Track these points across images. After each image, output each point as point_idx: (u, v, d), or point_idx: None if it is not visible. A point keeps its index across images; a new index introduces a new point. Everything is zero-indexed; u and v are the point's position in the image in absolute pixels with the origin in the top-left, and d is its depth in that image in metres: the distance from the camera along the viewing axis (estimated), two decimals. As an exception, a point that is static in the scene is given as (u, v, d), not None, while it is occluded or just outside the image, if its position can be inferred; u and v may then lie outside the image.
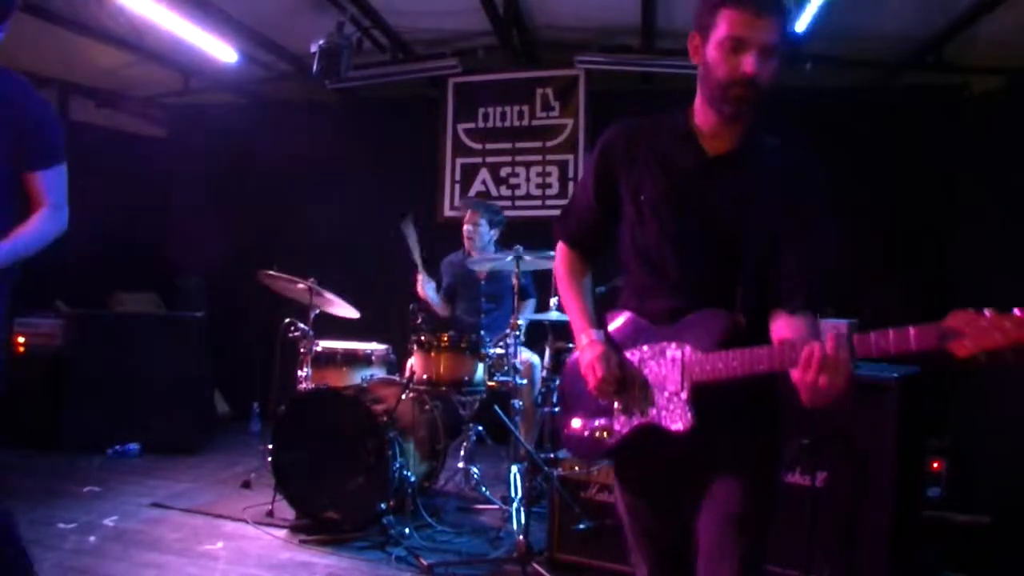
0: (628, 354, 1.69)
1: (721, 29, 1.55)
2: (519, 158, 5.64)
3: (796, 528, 2.80)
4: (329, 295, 4.02)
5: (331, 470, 3.50)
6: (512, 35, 4.97)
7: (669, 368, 1.61)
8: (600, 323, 1.79)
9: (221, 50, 4.75)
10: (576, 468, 3.16)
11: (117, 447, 4.88)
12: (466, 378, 3.70)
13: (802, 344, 1.44)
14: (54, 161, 2.10)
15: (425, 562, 3.14)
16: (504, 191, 5.65)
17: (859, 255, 4.74)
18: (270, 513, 3.70)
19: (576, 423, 1.79)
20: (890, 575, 2.73)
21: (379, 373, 4.05)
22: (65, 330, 4.91)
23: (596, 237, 1.84)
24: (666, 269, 1.65)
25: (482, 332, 3.75)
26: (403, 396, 3.64)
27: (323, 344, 4.02)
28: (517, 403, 3.73)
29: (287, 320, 4.03)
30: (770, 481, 1.70)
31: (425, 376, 3.71)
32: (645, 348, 1.66)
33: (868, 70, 4.81)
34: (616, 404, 1.70)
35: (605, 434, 1.72)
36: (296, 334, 4.00)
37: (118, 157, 5.93)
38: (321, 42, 4.47)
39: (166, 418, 4.97)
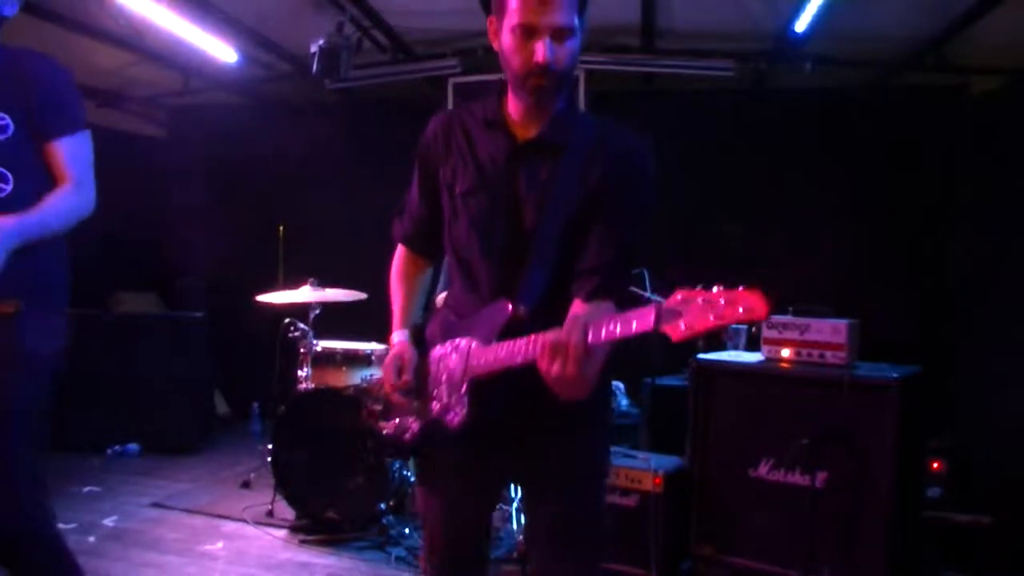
0: (434, 351, 1.66)
1: (512, 15, 1.49)
2: (519, 158, 5.62)
3: (796, 528, 2.80)
4: (329, 292, 4.01)
5: (331, 470, 3.50)
6: (512, 35, 4.96)
7: (456, 363, 1.57)
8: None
9: (221, 50, 4.74)
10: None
11: (117, 447, 4.89)
12: (466, 378, 3.69)
13: (544, 336, 1.35)
14: (69, 129, 1.92)
15: (425, 562, 3.14)
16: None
17: (859, 256, 4.74)
18: (270, 513, 3.70)
19: (386, 424, 1.76)
20: (890, 575, 2.73)
21: (379, 373, 4.04)
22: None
23: (428, 235, 1.77)
24: (473, 263, 1.61)
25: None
26: (403, 396, 3.64)
27: (323, 344, 4.02)
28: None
29: (287, 320, 4.03)
30: (587, 495, 1.65)
31: (425, 376, 3.70)
32: (447, 345, 1.62)
33: (868, 70, 4.80)
34: (415, 403, 1.67)
35: (406, 433, 1.69)
36: (296, 334, 3.99)
37: (118, 157, 5.87)
38: (321, 42, 4.47)
39: (166, 418, 4.98)
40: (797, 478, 2.88)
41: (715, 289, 1.19)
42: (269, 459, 3.64)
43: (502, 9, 1.53)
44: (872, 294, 4.41)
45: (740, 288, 1.18)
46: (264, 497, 3.80)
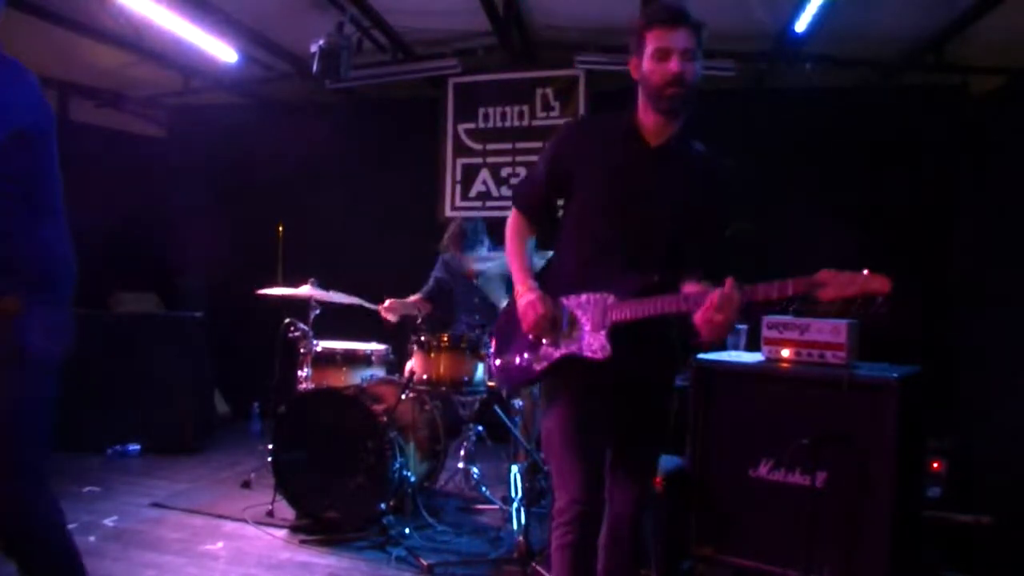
0: (562, 299, 2.11)
1: (649, 45, 1.99)
2: (519, 158, 5.64)
3: (796, 528, 2.80)
4: (329, 295, 4.01)
5: (331, 470, 3.50)
6: (512, 35, 4.97)
7: (594, 311, 2.05)
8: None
9: (221, 50, 4.75)
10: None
11: (117, 447, 4.89)
12: (466, 378, 3.70)
13: (704, 293, 1.88)
14: None
15: (425, 562, 3.14)
16: (505, 191, 5.66)
17: (859, 255, 4.72)
18: (270, 513, 3.70)
19: (508, 357, 2.24)
20: (890, 575, 2.73)
21: (379, 373, 4.05)
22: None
23: (543, 210, 2.27)
24: (609, 241, 2.07)
25: (481, 331, 3.74)
26: (403, 396, 3.64)
27: (323, 344, 4.02)
28: (517, 403, 3.72)
29: (287, 320, 4.03)
30: (668, 410, 2.28)
31: (425, 376, 3.71)
32: (581, 297, 2.08)
33: (868, 70, 4.81)
34: (544, 340, 2.12)
35: (534, 364, 2.15)
36: (296, 334, 3.99)
37: (118, 157, 5.93)
38: (321, 42, 4.47)
39: (166, 418, 4.97)
40: (797, 478, 2.88)
41: (846, 271, 1.72)
42: (269, 459, 3.64)
43: (641, 46, 2.01)
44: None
45: (866, 271, 1.74)
46: (264, 497, 3.80)
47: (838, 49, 4.53)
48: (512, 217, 2.30)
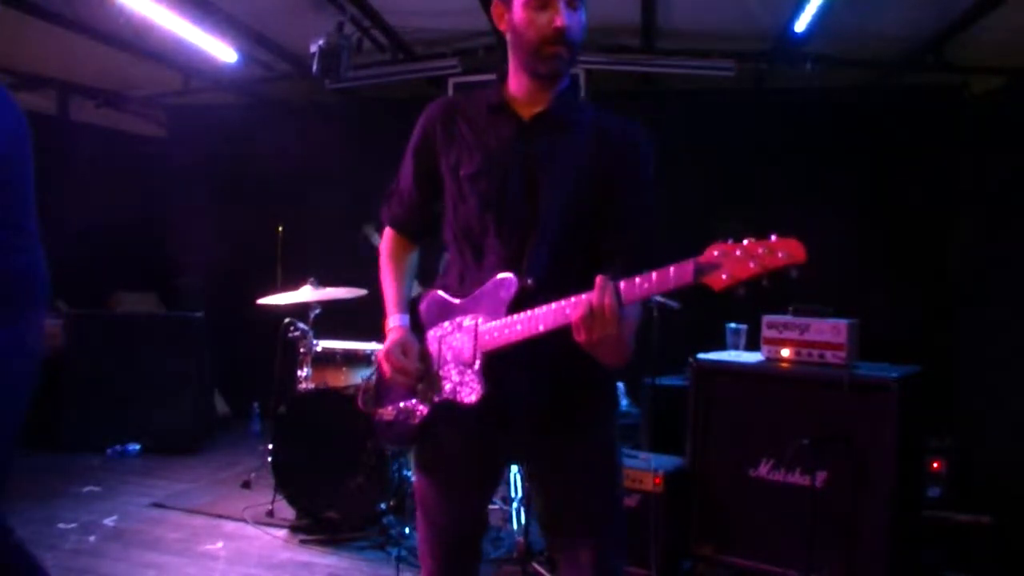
0: (430, 333, 1.68)
1: None
2: (519, 158, 5.63)
3: (796, 528, 2.80)
4: (329, 291, 4.01)
5: (331, 470, 3.50)
6: (512, 35, 4.97)
7: (463, 341, 1.58)
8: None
9: (221, 50, 4.74)
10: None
11: (117, 447, 4.89)
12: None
13: (576, 301, 1.38)
14: None
15: (425, 562, 3.14)
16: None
17: (859, 255, 4.74)
18: (270, 513, 3.70)
19: (386, 409, 1.75)
20: (890, 575, 2.73)
21: (379, 373, 4.04)
22: (65, 330, 4.93)
23: (419, 219, 1.80)
24: (483, 242, 1.62)
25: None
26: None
27: (323, 344, 4.01)
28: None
29: (287, 320, 4.03)
30: (604, 445, 1.67)
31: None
32: (446, 325, 1.64)
33: (868, 70, 4.80)
34: (419, 386, 1.66)
35: (410, 417, 1.69)
36: (296, 334, 3.99)
37: (118, 157, 5.93)
38: (321, 42, 4.46)
39: (166, 418, 4.98)
40: (797, 478, 2.88)
41: (746, 241, 1.24)
42: (269, 459, 3.64)
43: None
44: (872, 294, 4.40)
45: (773, 236, 1.23)
46: (264, 497, 3.80)
47: (838, 49, 4.53)
48: (385, 237, 1.86)
